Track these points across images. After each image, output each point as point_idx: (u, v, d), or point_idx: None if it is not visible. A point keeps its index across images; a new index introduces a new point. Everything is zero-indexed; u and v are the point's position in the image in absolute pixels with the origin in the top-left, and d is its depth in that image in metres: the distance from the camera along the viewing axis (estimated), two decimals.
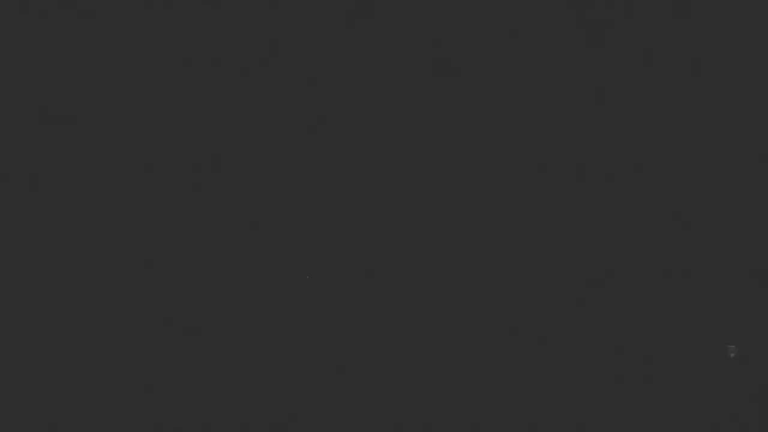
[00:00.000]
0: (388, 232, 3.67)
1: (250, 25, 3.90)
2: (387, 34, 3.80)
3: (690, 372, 3.30)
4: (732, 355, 3.41)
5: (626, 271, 3.89)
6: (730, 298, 3.60)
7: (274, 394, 3.26)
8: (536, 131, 4.08)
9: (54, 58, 4.99)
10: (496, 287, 3.67)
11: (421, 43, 3.80)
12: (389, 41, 3.78)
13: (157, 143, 4.32)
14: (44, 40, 4.72)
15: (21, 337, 3.34)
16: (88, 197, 5.18)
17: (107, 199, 5.23)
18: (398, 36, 3.79)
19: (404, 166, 3.71)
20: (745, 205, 4.57)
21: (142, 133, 4.63)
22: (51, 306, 3.42)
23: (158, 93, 4.35)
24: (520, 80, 3.94)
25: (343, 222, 3.69)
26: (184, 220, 4.04)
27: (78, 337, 3.33)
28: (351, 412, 3.30)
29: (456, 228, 3.66)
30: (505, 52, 3.90)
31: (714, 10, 4.15)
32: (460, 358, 3.43)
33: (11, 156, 4.86)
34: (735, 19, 4.18)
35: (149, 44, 4.29)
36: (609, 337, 3.37)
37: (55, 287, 3.57)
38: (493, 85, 3.86)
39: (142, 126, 4.55)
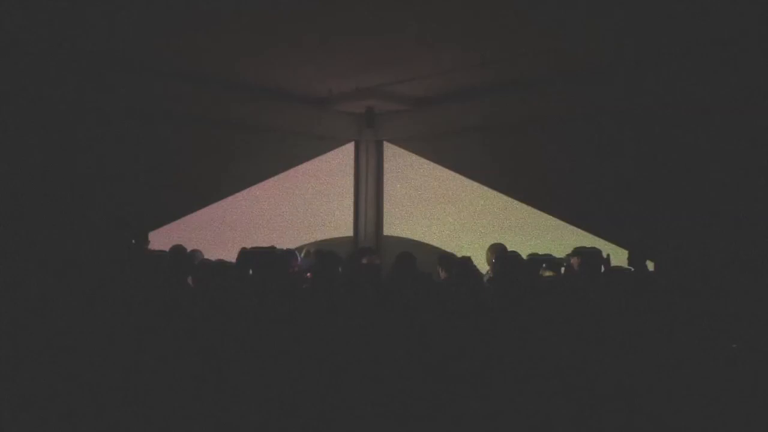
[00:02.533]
0: None
1: None
2: None
3: (690, 371, 3.30)
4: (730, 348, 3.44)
5: (626, 270, 3.90)
6: (730, 297, 3.60)
7: (274, 394, 3.26)
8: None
9: (54, 57, 5.00)
10: None
11: None
12: None
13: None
14: (45, 42, 4.73)
15: (21, 337, 3.35)
16: (87, 196, 5.19)
17: (107, 199, 5.24)
18: None
19: None
20: (745, 204, 4.58)
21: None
22: (51, 306, 3.43)
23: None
24: None
25: None
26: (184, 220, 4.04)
27: (77, 337, 3.33)
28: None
29: None
30: None
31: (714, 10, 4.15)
32: None
33: (11, 156, 4.87)
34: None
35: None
36: (609, 337, 3.37)
37: (55, 287, 3.58)
38: None
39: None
